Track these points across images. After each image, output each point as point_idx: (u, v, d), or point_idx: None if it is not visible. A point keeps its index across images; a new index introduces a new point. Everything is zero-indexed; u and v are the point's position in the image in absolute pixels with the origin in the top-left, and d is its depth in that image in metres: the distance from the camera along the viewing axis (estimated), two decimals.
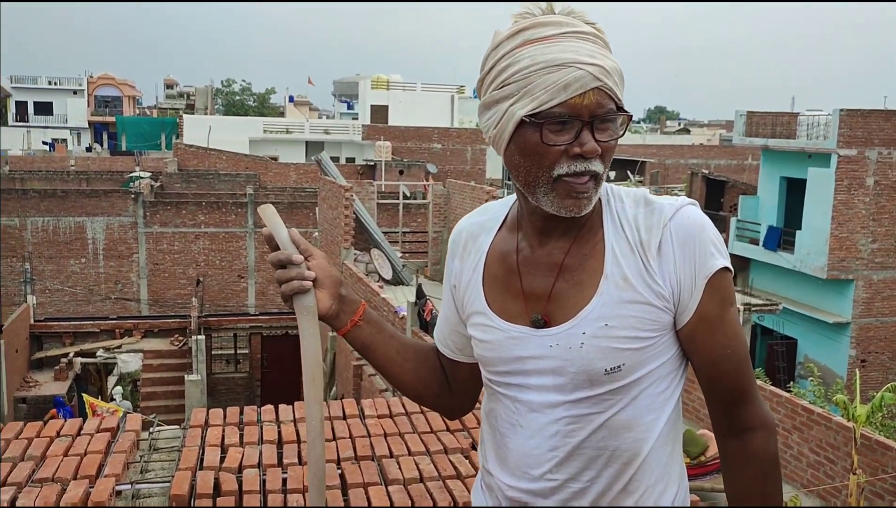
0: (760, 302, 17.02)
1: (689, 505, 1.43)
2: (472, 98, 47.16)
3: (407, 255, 17.16)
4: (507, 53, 1.24)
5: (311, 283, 1.37)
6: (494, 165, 38.01)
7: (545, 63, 1.21)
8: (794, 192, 21.89)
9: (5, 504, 3.35)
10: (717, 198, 27.30)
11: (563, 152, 1.22)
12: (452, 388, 1.57)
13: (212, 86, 57.93)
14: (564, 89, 1.20)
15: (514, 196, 1.42)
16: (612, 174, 41.25)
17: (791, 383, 14.78)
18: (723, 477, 1.40)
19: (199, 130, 39.08)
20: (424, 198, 21.08)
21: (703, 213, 1.33)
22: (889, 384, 8.06)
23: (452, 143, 38.16)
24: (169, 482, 3.68)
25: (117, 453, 3.93)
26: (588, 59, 1.21)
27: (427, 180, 25.77)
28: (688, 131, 63.80)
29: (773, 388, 9.48)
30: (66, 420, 4.43)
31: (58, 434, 4.14)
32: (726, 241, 23.73)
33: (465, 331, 1.47)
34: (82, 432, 4.18)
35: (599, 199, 1.33)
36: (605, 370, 1.29)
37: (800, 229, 20.66)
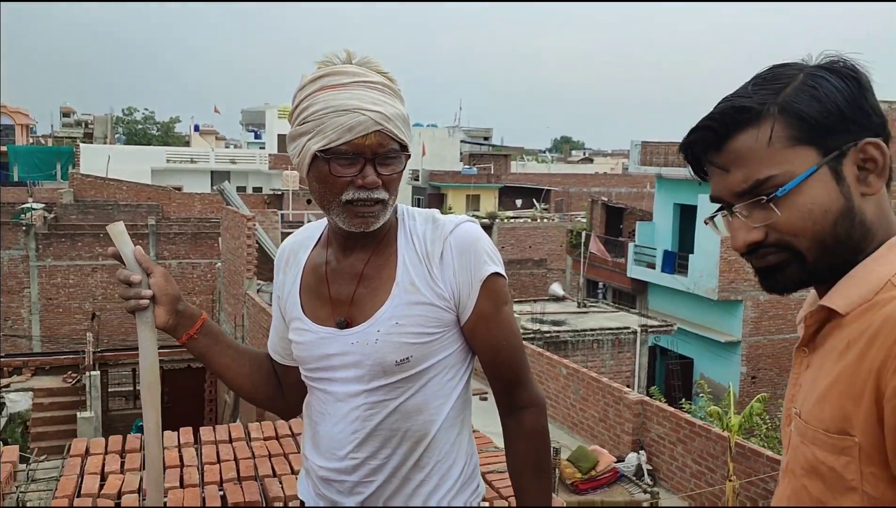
0: (656, 323, 17.76)
1: (476, 479, 1.66)
2: None
3: None
4: (308, 96, 1.48)
5: (147, 301, 1.57)
6: (404, 196, 38.27)
7: (335, 107, 1.43)
8: (686, 217, 23.01)
9: None
10: (616, 224, 28.35)
11: (349, 183, 1.46)
12: (285, 391, 1.77)
13: (112, 114, 56.17)
14: (349, 131, 1.43)
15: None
16: (519, 202, 42.32)
17: (683, 400, 15.45)
18: (505, 450, 1.63)
19: (98, 160, 37.79)
20: None
21: (482, 229, 1.60)
22: (759, 395, 8.60)
23: None
24: None
25: None
26: (371, 106, 1.44)
27: None
28: (591, 161, 66.03)
29: (658, 404, 9.94)
30: None
31: None
32: (625, 265, 24.74)
33: (290, 337, 1.67)
34: None
35: (396, 217, 1.58)
36: (396, 361, 1.51)
37: (692, 253, 21.71)
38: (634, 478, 9.21)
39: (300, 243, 1.70)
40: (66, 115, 63.92)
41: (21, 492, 4.03)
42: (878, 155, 1.04)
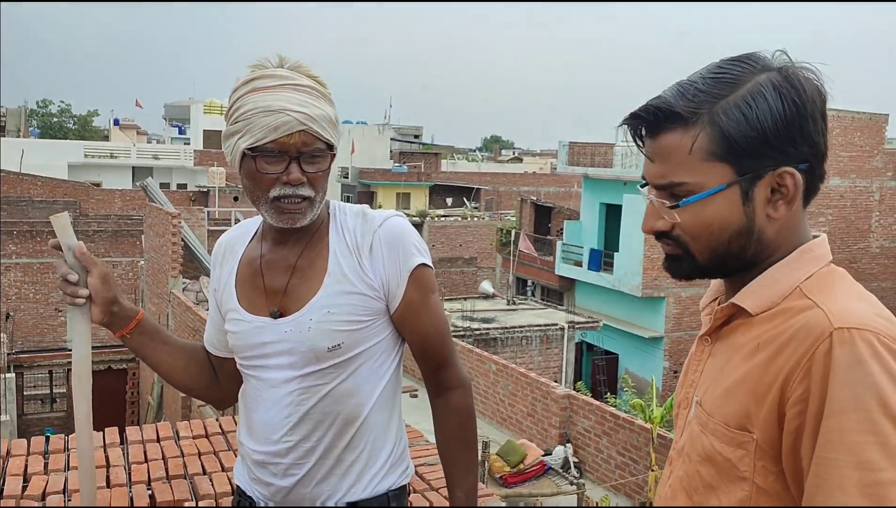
0: (583, 320, 18.15)
1: (405, 461, 1.76)
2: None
3: None
4: (240, 97, 1.55)
5: (83, 300, 1.62)
6: (333, 193, 38.00)
7: (263, 108, 1.51)
8: (612, 216, 23.58)
9: None
10: (544, 223, 28.82)
11: (276, 179, 1.54)
12: (221, 382, 1.85)
13: (25, 106, 53.85)
14: (275, 130, 1.51)
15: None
16: (450, 201, 42.53)
17: (609, 394, 15.85)
18: (434, 430, 1.74)
19: (11, 154, 36.19)
20: None
21: (409, 223, 1.69)
22: None
23: None
24: None
25: None
26: (297, 107, 1.52)
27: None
28: (520, 160, 66.85)
29: (585, 398, 10.20)
30: None
31: None
32: (553, 263, 25.19)
33: (225, 329, 1.74)
34: None
35: (328, 212, 1.67)
36: (328, 347, 1.59)
37: (618, 251, 22.25)
38: (561, 471, 9.42)
39: (237, 239, 1.76)
40: None
41: None
42: (790, 185, 1.07)
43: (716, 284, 1.26)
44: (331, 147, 1.59)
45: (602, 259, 23.09)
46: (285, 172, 1.53)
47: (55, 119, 58.67)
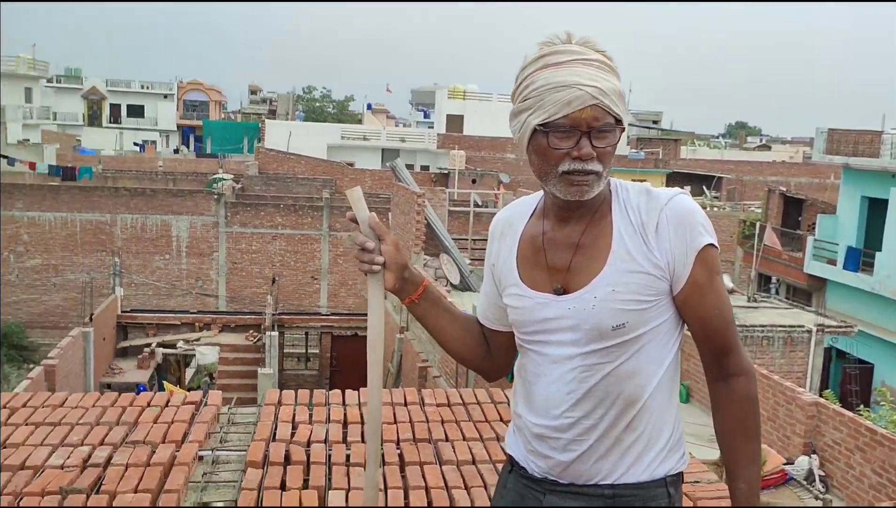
0: (834, 324, 16.57)
1: (682, 447, 1.72)
2: None
3: (476, 261, 17.45)
4: (530, 74, 1.58)
5: (380, 267, 1.71)
6: None
7: (555, 84, 1.54)
8: (875, 212, 21.22)
9: (102, 462, 3.78)
10: (794, 216, 26.62)
11: (566, 155, 1.56)
12: (493, 354, 1.90)
13: (293, 93, 59.65)
14: (567, 105, 1.52)
15: (541, 192, 1.75)
16: (688, 189, 40.63)
17: (861, 407, 14.37)
18: (712, 416, 1.68)
19: (280, 135, 40.33)
20: (495, 206, 21.34)
21: (695, 201, 1.66)
22: None
23: (525, 154, 38.26)
24: (245, 450, 4.06)
25: (199, 423, 4.33)
26: (588, 81, 1.53)
27: (498, 189, 26.02)
28: (768, 148, 62.13)
29: (835, 408, 9.35)
30: (155, 394, 4.88)
31: (148, 405, 4.58)
32: (802, 260, 23.21)
33: (502, 303, 1.79)
34: (169, 404, 4.62)
35: (610, 190, 1.66)
36: (612, 326, 1.59)
37: (880, 250, 20.02)
38: (805, 483, 8.75)
39: (516, 215, 1.79)
40: (253, 92, 68.63)
41: (224, 433, 4.50)
42: None
43: None
44: (619, 122, 1.57)
45: (861, 259, 20.86)
46: (576, 148, 1.54)
47: (317, 104, 64.33)
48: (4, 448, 3.92)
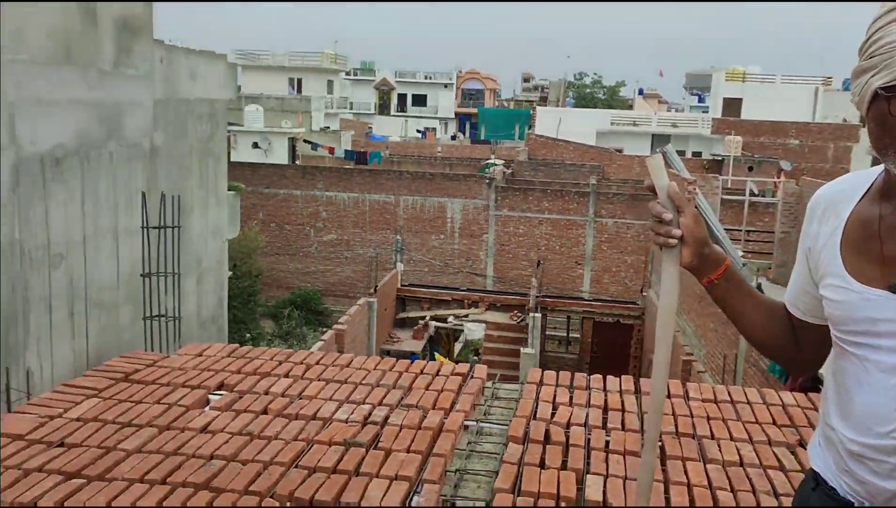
0: None
1: None
2: (841, 90, 42.49)
3: (749, 255, 16.33)
4: (880, 28, 1.33)
5: (676, 240, 1.56)
6: (861, 164, 33.96)
7: None
8: None
9: (380, 421, 4.15)
10: None
11: None
12: (801, 345, 1.68)
13: (564, 80, 59.94)
14: None
15: (879, 167, 1.48)
16: None
17: None
18: None
19: (551, 122, 40.83)
20: (774, 196, 19.75)
21: None
22: None
23: (812, 139, 34.93)
24: (507, 425, 4.23)
25: (466, 394, 4.60)
26: None
27: (779, 178, 24.04)
28: None
29: None
30: (427, 363, 5.25)
31: (421, 372, 4.95)
32: None
33: (815, 292, 1.56)
34: (440, 373, 4.95)
35: None
36: None
37: None
38: None
39: (841, 194, 1.54)
40: (526, 80, 70.19)
41: (488, 406, 4.72)
42: None
43: None
44: None
45: None
46: None
47: (588, 90, 64.06)
48: (300, 398, 4.47)
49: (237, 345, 5.47)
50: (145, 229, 7.95)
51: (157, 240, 8.01)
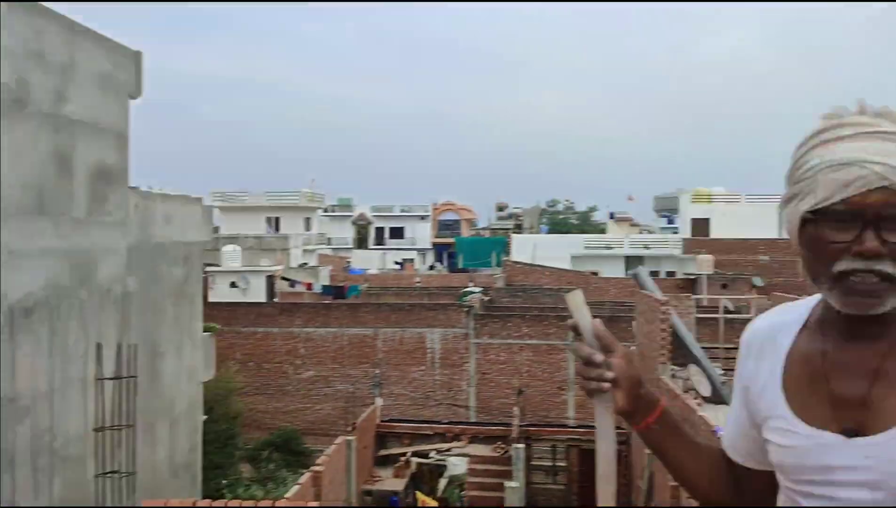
0: None
1: None
2: None
3: (729, 372, 16.34)
4: (805, 153, 1.30)
5: (609, 385, 1.40)
6: None
7: (830, 162, 1.24)
8: None
9: None
10: None
11: (843, 250, 1.23)
12: (743, 496, 1.52)
13: (538, 207, 61.63)
14: (845, 187, 1.21)
15: (816, 296, 1.39)
16: None
17: None
18: None
19: (526, 248, 41.60)
20: (749, 312, 20.01)
21: None
22: None
23: (781, 254, 35.77)
24: None
25: None
26: (876, 157, 1.21)
27: (752, 294, 24.41)
28: None
29: None
30: None
31: None
32: None
33: (756, 435, 1.43)
34: None
35: None
36: None
37: None
38: None
39: (779, 327, 1.42)
40: (500, 209, 72.02)
41: None
42: None
43: None
44: None
45: None
46: (857, 241, 1.21)
47: (561, 216, 65.79)
48: None
49: (194, 502, 5.29)
50: (99, 381, 7.66)
51: (119, 390, 7.77)
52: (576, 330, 1.47)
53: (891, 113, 1.27)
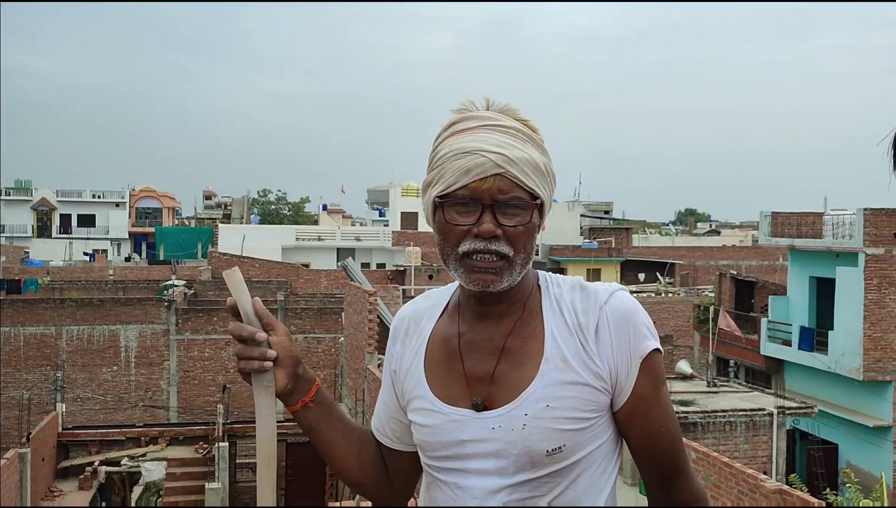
0: (795, 405, 16.55)
1: None
2: None
3: None
4: (439, 143, 1.38)
5: (272, 363, 1.36)
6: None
7: (456, 151, 1.32)
8: (824, 291, 21.65)
9: None
10: (746, 299, 27.03)
11: (466, 232, 1.31)
12: (391, 478, 1.54)
13: (248, 196, 59.88)
14: (466, 174, 1.30)
15: (456, 283, 1.45)
16: (642, 276, 41.25)
17: (828, 490, 14.17)
18: None
19: (235, 239, 40.15)
20: None
21: (634, 298, 1.41)
22: None
23: None
24: None
25: None
26: (494, 148, 1.30)
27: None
28: (718, 233, 63.81)
29: (801, 494, 9.14)
30: None
31: None
32: (758, 342, 23.39)
33: (404, 418, 1.47)
34: None
35: (538, 284, 1.41)
36: (547, 451, 1.31)
37: (832, 329, 20.30)
38: None
39: (423, 311, 1.49)
40: (207, 197, 68.73)
41: None
42: None
43: None
44: (535, 197, 1.33)
45: (814, 338, 21.11)
46: (477, 223, 1.30)
47: (273, 206, 64.61)
48: None
49: None
50: None
51: None
52: (234, 311, 1.39)
53: (511, 110, 1.38)
